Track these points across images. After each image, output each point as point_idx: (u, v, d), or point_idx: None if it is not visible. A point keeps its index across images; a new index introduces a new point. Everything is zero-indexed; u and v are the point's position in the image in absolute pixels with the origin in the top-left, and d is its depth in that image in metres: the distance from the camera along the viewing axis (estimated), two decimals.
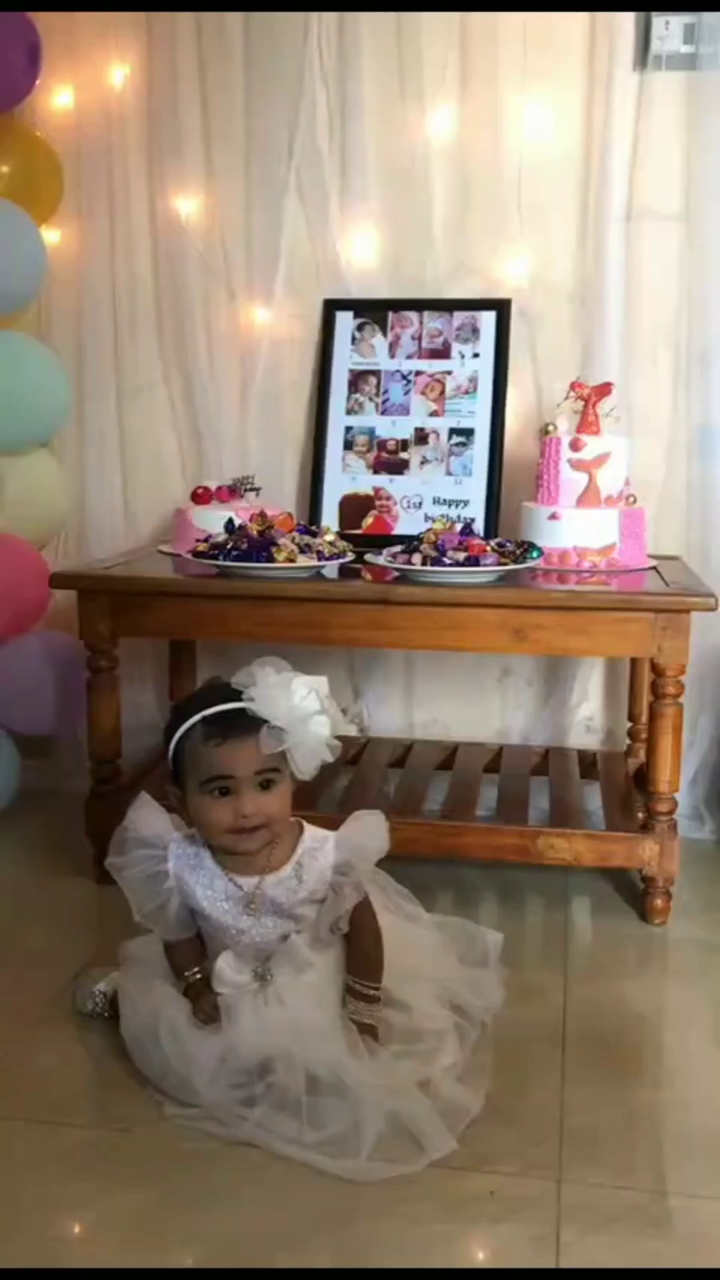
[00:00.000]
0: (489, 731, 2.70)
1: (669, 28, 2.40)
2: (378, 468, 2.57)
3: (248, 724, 1.53)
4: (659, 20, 2.40)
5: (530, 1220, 1.34)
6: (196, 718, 1.56)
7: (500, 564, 2.06)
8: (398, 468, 2.56)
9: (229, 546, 2.12)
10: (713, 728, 2.53)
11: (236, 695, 1.55)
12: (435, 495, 2.53)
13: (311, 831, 1.64)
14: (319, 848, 1.61)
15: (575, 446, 2.23)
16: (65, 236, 2.68)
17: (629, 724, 2.56)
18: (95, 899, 2.20)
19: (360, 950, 1.63)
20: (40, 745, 2.80)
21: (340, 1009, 1.57)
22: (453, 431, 2.54)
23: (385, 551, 2.18)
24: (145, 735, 2.66)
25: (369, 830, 1.63)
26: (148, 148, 2.63)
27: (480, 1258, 1.32)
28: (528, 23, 2.44)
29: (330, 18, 2.51)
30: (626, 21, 2.41)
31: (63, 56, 2.59)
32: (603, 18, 2.41)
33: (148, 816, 1.64)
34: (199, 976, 1.63)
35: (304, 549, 2.13)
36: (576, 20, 2.43)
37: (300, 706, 1.53)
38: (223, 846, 1.58)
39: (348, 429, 2.59)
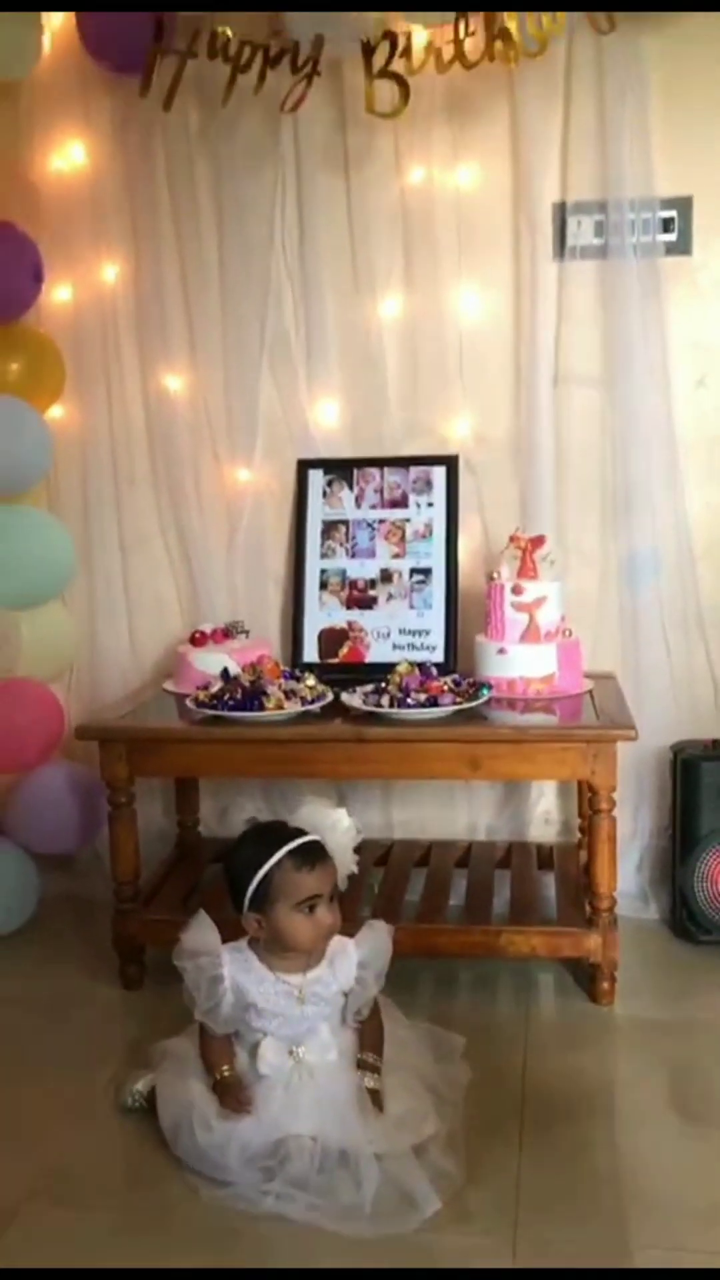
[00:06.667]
0: (459, 827, 3.05)
1: (581, 226, 2.81)
2: (350, 604, 2.94)
3: (322, 851, 1.98)
4: (573, 219, 2.81)
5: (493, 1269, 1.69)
6: (283, 852, 1.95)
7: (456, 703, 2.44)
8: (367, 603, 2.93)
9: (225, 696, 2.48)
10: (652, 819, 2.89)
11: (296, 832, 1.99)
12: (401, 626, 2.90)
13: (335, 937, 2.04)
14: (343, 950, 2.03)
15: (516, 591, 2.61)
16: (68, 411, 3.06)
17: (581, 820, 2.92)
18: (123, 1003, 2.54)
19: (372, 1031, 2.04)
20: (60, 857, 3.14)
21: (353, 1079, 1.95)
22: (413, 571, 2.92)
23: (358, 690, 2.55)
24: (155, 845, 3.01)
25: (380, 936, 2.06)
26: (138, 334, 3.01)
27: None
28: (460, 222, 2.85)
29: (292, 222, 2.91)
30: (546, 220, 2.81)
31: (61, 259, 2.97)
32: (526, 217, 2.81)
33: (204, 931, 2.01)
34: (227, 1074, 1.97)
35: (289, 694, 2.49)
36: (504, 219, 2.84)
37: (343, 837, 2.03)
38: (304, 950, 1.97)
39: (322, 571, 2.97)
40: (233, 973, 1.97)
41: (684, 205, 2.77)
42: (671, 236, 2.78)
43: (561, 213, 2.81)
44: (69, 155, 2.96)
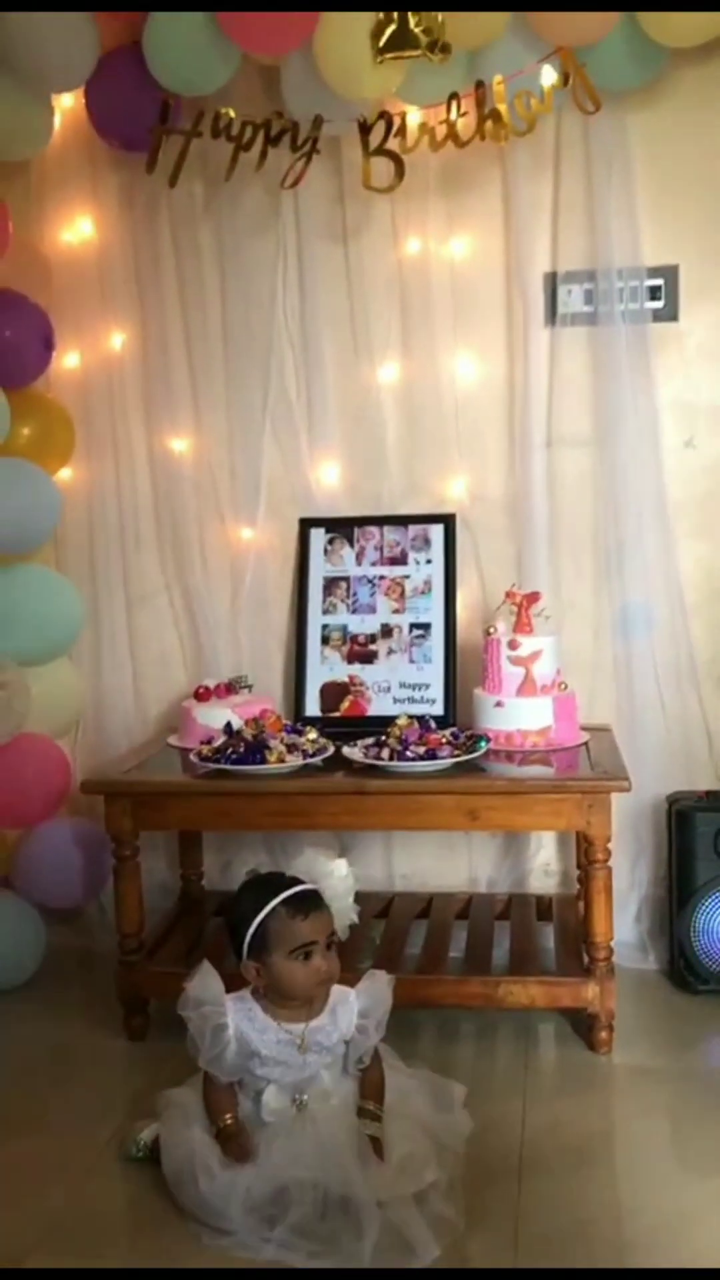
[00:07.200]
0: (460, 879, 3.08)
1: (571, 294, 2.91)
2: (351, 658, 3.01)
3: (317, 899, 2.03)
4: (563, 288, 2.92)
5: None
6: (276, 900, 2.01)
7: (454, 755, 2.49)
8: (368, 658, 3.00)
9: (228, 750, 2.54)
10: (649, 869, 2.93)
11: (292, 881, 2.03)
12: (401, 680, 2.97)
13: (337, 987, 2.08)
14: (344, 999, 2.07)
15: (513, 646, 2.67)
16: (77, 473, 3.15)
17: (579, 871, 2.96)
18: (127, 1054, 2.57)
19: (372, 1080, 2.07)
20: (66, 910, 3.17)
21: (355, 1126, 1.98)
22: (412, 626, 2.99)
23: (359, 743, 2.60)
24: (158, 896, 3.05)
25: (380, 986, 2.11)
26: (144, 399, 3.11)
27: None
28: (455, 291, 2.96)
29: (293, 291, 3.02)
30: (537, 289, 2.92)
31: (70, 327, 3.08)
32: (518, 286, 2.92)
33: (208, 981, 2.06)
34: (230, 1122, 2.01)
35: (291, 748, 2.55)
36: (497, 288, 2.95)
37: (340, 885, 2.07)
38: (302, 998, 2.01)
39: (324, 626, 3.04)
40: (236, 1021, 2.01)
41: (670, 274, 2.88)
42: (659, 304, 2.88)
43: (552, 282, 2.92)
44: (78, 229, 3.09)
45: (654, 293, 2.88)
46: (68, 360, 3.12)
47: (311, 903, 2.03)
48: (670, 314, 2.89)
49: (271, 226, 3.00)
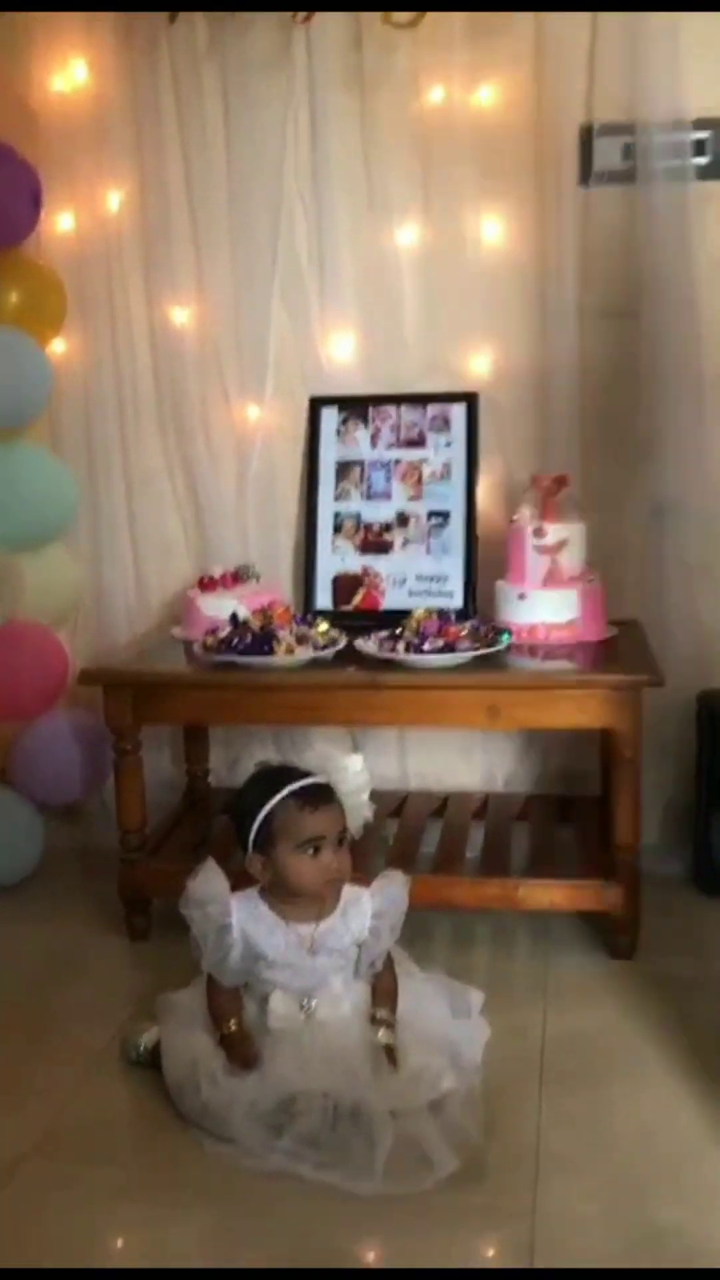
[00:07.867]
0: (477, 777, 2.96)
1: (608, 149, 2.66)
2: (364, 548, 2.84)
3: (329, 793, 1.91)
4: (599, 141, 2.66)
5: (509, 1230, 1.62)
6: (285, 791, 1.89)
7: (474, 649, 2.34)
8: (383, 548, 2.83)
9: (234, 641, 2.39)
10: (675, 770, 2.79)
11: (303, 774, 1.91)
12: (417, 572, 2.80)
13: (349, 886, 1.96)
14: (357, 899, 1.96)
15: (539, 534, 2.50)
16: (71, 345, 2.94)
17: (602, 771, 2.83)
18: (129, 954, 2.48)
19: (385, 985, 1.97)
20: (65, 806, 3.07)
21: (366, 1034, 1.88)
22: (431, 514, 2.81)
23: (373, 636, 2.45)
24: (163, 792, 2.93)
25: (396, 886, 1.99)
26: (143, 263, 2.89)
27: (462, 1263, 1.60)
28: (481, 145, 2.69)
29: (305, 143, 2.77)
30: (571, 143, 2.67)
31: (63, 184, 2.84)
32: (550, 140, 2.67)
33: (212, 878, 1.95)
34: (234, 1028, 1.90)
35: (301, 640, 2.40)
36: (526, 142, 2.69)
37: (354, 781, 1.94)
38: (311, 895, 1.91)
39: (336, 514, 2.86)
40: (241, 921, 1.90)
41: (717, 127, 2.62)
42: (703, 160, 2.63)
43: (588, 135, 2.66)
44: (70, 74, 2.82)
45: (699, 147, 2.62)
46: (60, 221, 2.89)
47: (323, 796, 1.90)
48: (716, 172, 2.64)
49: (282, 69, 2.72)
